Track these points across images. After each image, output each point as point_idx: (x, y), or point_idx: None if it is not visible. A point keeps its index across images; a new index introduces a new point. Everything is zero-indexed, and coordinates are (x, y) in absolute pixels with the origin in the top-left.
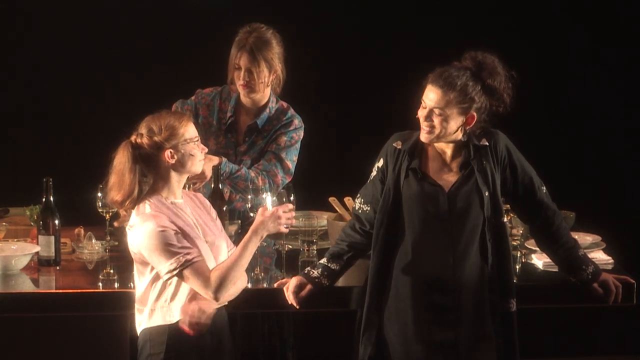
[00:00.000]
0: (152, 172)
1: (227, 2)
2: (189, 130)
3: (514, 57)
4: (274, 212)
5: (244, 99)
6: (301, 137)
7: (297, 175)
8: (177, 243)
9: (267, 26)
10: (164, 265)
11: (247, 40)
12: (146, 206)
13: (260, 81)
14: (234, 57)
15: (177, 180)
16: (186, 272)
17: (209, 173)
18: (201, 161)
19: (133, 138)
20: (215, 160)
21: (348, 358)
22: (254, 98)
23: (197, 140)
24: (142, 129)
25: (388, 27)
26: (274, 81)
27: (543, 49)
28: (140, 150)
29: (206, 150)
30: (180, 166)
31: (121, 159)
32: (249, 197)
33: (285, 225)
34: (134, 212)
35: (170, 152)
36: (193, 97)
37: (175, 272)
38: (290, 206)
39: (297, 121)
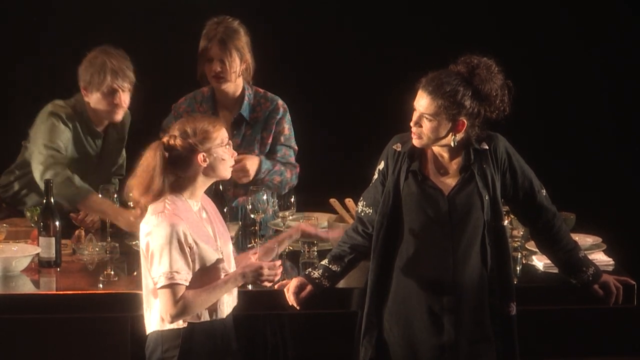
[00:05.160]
0: (179, 174)
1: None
2: (222, 135)
3: (512, 57)
4: (257, 267)
5: (217, 92)
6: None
7: (298, 176)
8: (179, 258)
9: (232, 17)
10: (153, 270)
11: (216, 31)
12: (166, 205)
13: (232, 70)
14: (204, 50)
15: (202, 183)
16: (163, 289)
17: (252, 171)
18: (231, 167)
19: (165, 139)
20: (255, 159)
21: None
22: (227, 89)
23: (229, 145)
24: (175, 131)
25: (389, 27)
26: (245, 71)
27: (542, 50)
28: (173, 151)
29: (236, 155)
30: (210, 170)
31: (151, 160)
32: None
33: (266, 282)
34: (150, 208)
35: (204, 155)
36: (173, 113)
37: (158, 285)
38: (278, 263)
39: (281, 102)
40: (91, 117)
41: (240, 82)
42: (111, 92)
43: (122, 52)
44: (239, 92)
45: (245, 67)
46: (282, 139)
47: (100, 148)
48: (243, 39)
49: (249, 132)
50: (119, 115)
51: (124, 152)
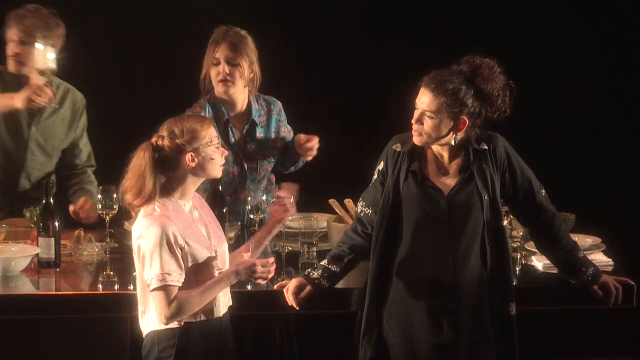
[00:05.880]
0: (169, 174)
1: (221, 9)
2: (210, 134)
3: (513, 58)
4: (251, 265)
5: (223, 100)
6: None
7: (298, 177)
8: (170, 260)
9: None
10: (146, 273)
11: (226, 35)
12: (155, 207)
13: (239, 75)
14: (212, 53)
15: (193, 183)
16: (157, 292)
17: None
18: (221, 166)
19: (154, 140)
20: (314, 138)
21: None
22: (233, 96)
23: (218, 144)
24: (164, 132)
25: (389, 28)
26: (251, 82)
27: (542, 50)
28: (161, 152)
29: (226, 154)
30: (200, 170)
31: (141, 161)
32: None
33: (260, 280)
34: (141, 211)
35: (192, 155)
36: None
37: (150, 287)
38: (271, 261)
39: (280, 103)
40: (11, 80)
41: (246, 93)
42: (7, 41)
43: (47, 12)
44: (246, 105)
45: (253, 77)
46: (290, 135)
47: (31, 118)
48: (251, 47)
49: (262, 136)
50: (12, 67)
51: (86, 140)
